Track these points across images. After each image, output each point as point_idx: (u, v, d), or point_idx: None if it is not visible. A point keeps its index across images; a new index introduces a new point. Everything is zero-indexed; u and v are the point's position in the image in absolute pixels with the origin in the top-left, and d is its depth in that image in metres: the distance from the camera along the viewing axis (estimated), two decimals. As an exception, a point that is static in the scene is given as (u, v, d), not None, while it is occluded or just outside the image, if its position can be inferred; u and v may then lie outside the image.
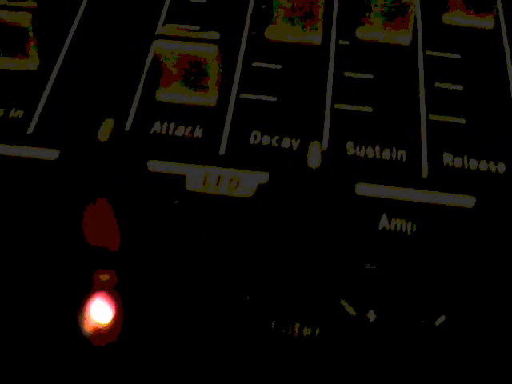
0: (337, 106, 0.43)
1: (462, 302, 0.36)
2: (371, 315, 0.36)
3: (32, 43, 0.44)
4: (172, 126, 0.42)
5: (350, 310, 0.36)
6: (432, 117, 0.42)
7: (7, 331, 0.34)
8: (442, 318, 0.36)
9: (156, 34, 0.41)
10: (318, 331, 0.35)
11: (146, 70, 0.44)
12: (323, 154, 0.33)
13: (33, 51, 0.44)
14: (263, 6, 0.47)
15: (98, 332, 0.34)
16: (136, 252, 0.36)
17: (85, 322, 0.35)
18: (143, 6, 0.48)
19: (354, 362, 0.35)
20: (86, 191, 0.34)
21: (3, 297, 0.35)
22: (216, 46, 0.41)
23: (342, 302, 0.36)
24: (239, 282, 0.36)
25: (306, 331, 0.35)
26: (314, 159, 0.32)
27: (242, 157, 0.41)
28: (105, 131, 0.34)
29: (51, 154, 0.40)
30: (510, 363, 0.35)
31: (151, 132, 0.41)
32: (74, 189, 0.35)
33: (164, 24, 0.47)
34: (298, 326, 0.35)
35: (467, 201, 0.39)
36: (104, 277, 0.38)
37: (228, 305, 0.35)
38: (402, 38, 0.46)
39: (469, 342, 0.35)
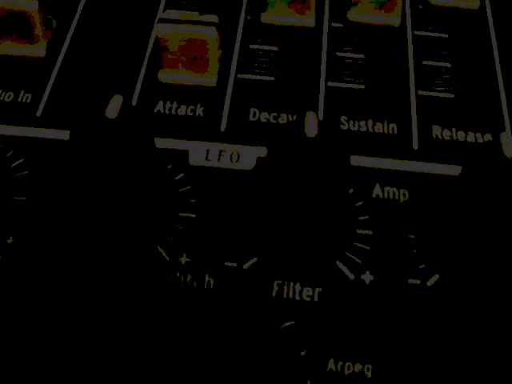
0: (330, 83, 0.45)
1: (453, 263, 0.38)
2: (367, 277, 0.38)
3: (39, 29, 0.46)
4: (174, 105, 0.44)
5: (347, 272, 0.38)
6: (421, 92, 0.45)
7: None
8: (434, 278, 0.38)
9: (158, 18, 0.43)
10: (316, 292, 0.37)
11: (148, 53, 0.46)
12: (319, 124, 0.35)
13: (40, 37, 0.46)
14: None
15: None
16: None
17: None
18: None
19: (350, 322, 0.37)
20: (98, 168, 0.36)
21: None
22: (215, 28, 0.43)
23: (338, 263, 0.38)
24: (241, 246, 0.38)
25: (307, 292, 0.37)
26: (311, 128, 0.35)
27: (241, 133, 0.43)
28: (114, 108, 0.36)
29: (62, 135, 0.42)
30: (501, 324, 0.37)
31: (155, 111, 0.44)
32: (86, 166, 0.37)
33: (164, 9, 0.49)
34: (298, 287, 0.37)
35: (455, 169, 0.41)
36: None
37: (230, 268, 0.38)
38: (392, 19, 0.48)
39: (460, 302, 0.37)
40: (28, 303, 0.37)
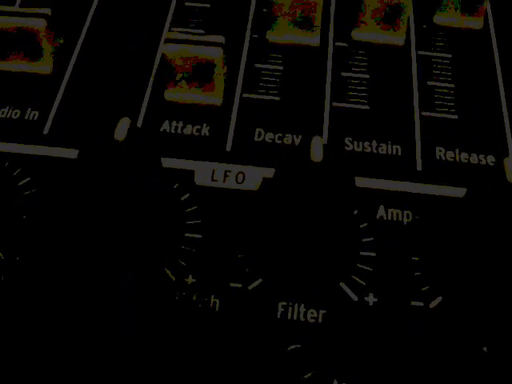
0: (335, 104, 0.45)
1: (456, 285, 0.38)
2: (370, 298, 0.38)
3: (46, 47, 0.46)
4: (180, 124, 0.44)
5: (351, 294, 0.38)
6: (425, 113, 0.45)
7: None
8: (437, 300, 0.38)
9: (165, 38, 0.43)
10: (321, 313, 0.38)
11: (154, 72, 0.47)
12: (324, 148, 0.36)
13: (47, 55, 0.46)
14: (264, 10, 0.50)
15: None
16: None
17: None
18: (150, 12, 0.50)
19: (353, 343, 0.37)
20: (107, 188, 0.36)
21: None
22: (221, 49, 0.43)
23: (342, 285, 0.38)
24: (247, 266, 0.39)
25: (311, 314, 0.38)
26: (316, 153, 0.35)
27: (247, 152, 0.43)
28: (121, 130, 0.36)
29: (70, 153, 0.43)
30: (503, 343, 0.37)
31: (161, 130, 0.44)
32: (94, 185, 0.37)
33: (170, 28, 0.49)
34: (303, 309, 0.38)
35: (458, 191, 0.42)
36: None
37: (235, 289, 0.38)
38: (396, 38, 0.49)
39: (462, 324, 0.38)
40: (32, 323, 0.37)
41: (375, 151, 0.43)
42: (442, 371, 0.37)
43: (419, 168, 0.43)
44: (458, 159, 0.43)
